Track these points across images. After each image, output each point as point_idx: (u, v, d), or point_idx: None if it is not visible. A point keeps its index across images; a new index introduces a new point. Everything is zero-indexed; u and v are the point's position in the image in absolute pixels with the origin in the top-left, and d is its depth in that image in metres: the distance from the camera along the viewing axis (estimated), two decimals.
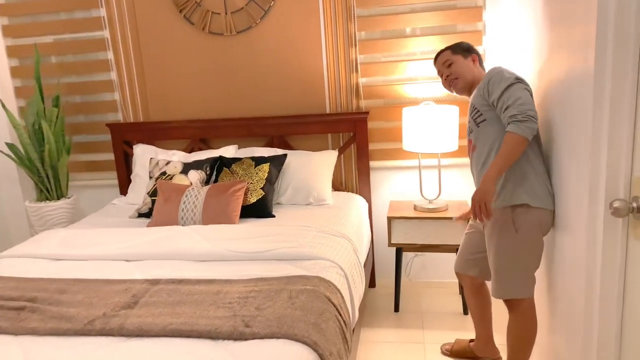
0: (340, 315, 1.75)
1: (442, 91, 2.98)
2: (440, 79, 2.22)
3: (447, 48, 2.17)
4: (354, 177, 3.18)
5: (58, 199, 3.25)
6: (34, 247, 2.40)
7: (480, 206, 1.83)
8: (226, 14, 3.08)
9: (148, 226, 2.63)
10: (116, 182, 3.45)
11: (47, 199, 3.24)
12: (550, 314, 2.01)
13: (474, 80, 2.11)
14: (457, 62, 2.12)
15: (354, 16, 2.97)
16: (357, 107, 3.09)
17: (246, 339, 1.50)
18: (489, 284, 2.22)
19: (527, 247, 1.92)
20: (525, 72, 2.27)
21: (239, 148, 3.18)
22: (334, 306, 1.74)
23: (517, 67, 2.44)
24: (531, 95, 1.88)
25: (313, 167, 2.94)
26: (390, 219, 2.80)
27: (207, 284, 1.86)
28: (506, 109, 1.85)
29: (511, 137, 1.81)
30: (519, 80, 1.89)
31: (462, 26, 2.93)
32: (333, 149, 3.18)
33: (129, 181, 3.34)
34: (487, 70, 2.07)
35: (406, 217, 2.77)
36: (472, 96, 2.09)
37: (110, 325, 1.59)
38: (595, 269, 1.52)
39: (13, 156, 3.16)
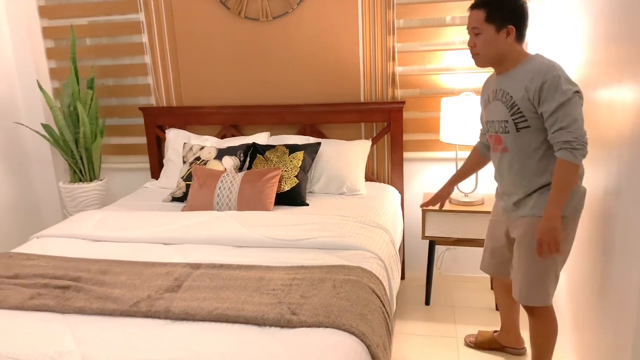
0: (384, 306, 1.73)
1: (481, 82, 2.91)
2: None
3: (485, 3, 1.80)
4: (386, 168, 3.14)
5: (91, 180, 3.26)
6: (71, 228, 2.42)
7: (549, 244, 1.76)
8: None
9: (183, 210, 2.63)
10: (147, 165, 3.46)
11: (80, 180, 3.26)
12: (601, 313, 1.96)
13: (502, 57, 1.84)
14: (485, 35, 1.81)
15: (393, 3, 2.91)
16: (393, 96, 3.04)
17: (293, 327, 1.48)
18: None
19: (564, 252, 1.87)
20: (573, 62, 2.20)
21: (270, 135, 3.15)
22: (378, 297, 1.72)
23: (562, 58, 2.36)
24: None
25: (347, 156, 2.91)
26: (424, 211, 2.76)
27: (248, 270, 1.85)
28: (559, 129, 1.70)
29: (566, 165, 1.70)
30: (577, 92, 1.71)
31: None
32: (366, 138, 3.14)
33: (161, 165, 3.35)
34: (534, 56, 1.82)
35: (441, 210, 2.72)
36: (511, 88, 1.82)
37: (155, 308, 1.59)
38: None
39: (48, 137, 3.18)
